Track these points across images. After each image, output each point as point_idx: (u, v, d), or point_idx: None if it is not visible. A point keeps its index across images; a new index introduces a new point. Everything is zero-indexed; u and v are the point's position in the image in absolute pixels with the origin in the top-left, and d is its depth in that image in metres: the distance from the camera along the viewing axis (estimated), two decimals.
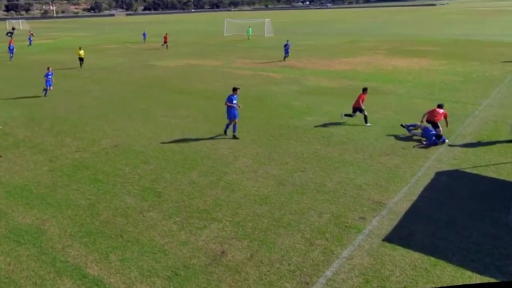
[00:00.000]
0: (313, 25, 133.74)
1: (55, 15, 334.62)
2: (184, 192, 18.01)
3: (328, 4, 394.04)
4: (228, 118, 24.77)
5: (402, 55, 57.58)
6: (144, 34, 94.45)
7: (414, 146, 22.78)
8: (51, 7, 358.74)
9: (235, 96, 24.61)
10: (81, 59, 53.76)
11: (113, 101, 35.20)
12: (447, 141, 23.24)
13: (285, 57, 55.73)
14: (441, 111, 24.09)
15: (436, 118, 23.76)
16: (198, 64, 55.42)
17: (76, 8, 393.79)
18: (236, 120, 24.71)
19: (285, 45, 56.11)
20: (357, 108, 27.00)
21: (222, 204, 16.83)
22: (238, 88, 25.28)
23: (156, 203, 17.04)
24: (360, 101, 26.79)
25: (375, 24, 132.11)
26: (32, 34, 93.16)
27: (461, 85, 37.63)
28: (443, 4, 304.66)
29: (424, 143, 23.04)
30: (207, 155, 22.24)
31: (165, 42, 74.41)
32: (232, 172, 20.02)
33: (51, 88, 37.50)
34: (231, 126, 25.17)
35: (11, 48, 65.87)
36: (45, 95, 37.31)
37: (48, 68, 38.13)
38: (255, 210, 16.27)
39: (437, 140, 22.97)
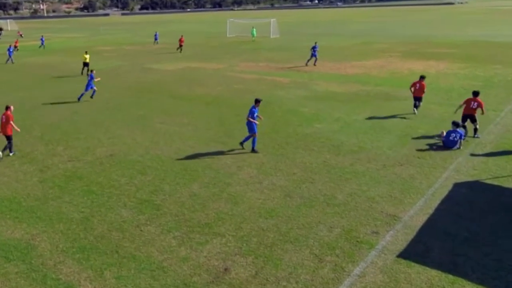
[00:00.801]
0: (322, 26, 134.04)
1: (45, 14, 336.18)
2: (184, 204, 18.07)
3: (339, 3, 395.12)
4: (249, 132, 24.16)
5: (418, 58, 57.65)
6: (155, 35, 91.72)
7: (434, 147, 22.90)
8: (41, 6, 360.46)
9: (257, 109, 24.06)
10: (85, 64, 52.05)
11: (108, 107, 35.36)
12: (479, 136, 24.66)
13: (315, 61, 54.21)
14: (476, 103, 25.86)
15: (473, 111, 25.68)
16: (199, 67, 55.61)
17: (68, 7, 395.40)
18: (256, 134, 24.15)
19: (313, 48, 54.64)
20: (417, 98, 30.55)
21: (225, 218, 16.88)
22: (261, 100, 24.64)
23: (154, 217, 17.11)
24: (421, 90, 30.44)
25: (390, 24, 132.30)
26: (21, 35, 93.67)
27: (481, 90, 37.47)
28: (461, 3, 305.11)
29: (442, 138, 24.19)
30: (208, 165, 22.32)
31: (181, 45, 72.92)
32: (235, 183, 20.09)
33: (87, 92, 38.22)
34: (250, 139, 24.53)
35: (11, 50, 66.37)
36: (91, 97, 38.39)
37: (91, 71, 39.38)
38: (260, 224, 16.32)
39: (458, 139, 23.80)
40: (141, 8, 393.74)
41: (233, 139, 26.12)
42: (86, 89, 37.88)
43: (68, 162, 23.29)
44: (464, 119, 25.80)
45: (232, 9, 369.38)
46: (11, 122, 24.21)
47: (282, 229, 15.94)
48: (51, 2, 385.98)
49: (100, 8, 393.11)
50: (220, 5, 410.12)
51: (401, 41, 79.59)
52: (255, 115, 23.89)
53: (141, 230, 16.15)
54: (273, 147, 24.64)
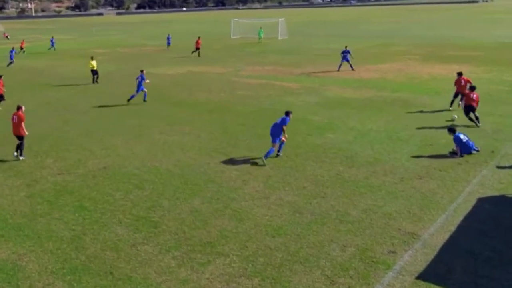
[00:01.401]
0: (334, 26, 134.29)
1: (33, 14, 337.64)
2: (184, 221, 18.12)
3: (352, 1, 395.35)
4: (273, 142, 24.53)
5: (439, 61, 57.69)
6: (168, 39, 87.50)
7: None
8: (29, 5, 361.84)
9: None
10: (94, 72, 50.10)
11: (102, 115, 35.54)
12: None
13: (350, 66, 53.38)
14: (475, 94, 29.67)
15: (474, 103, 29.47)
16: (201, 71, 55.83)
17: (59, 6, 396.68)
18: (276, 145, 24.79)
19: (344, 52, 53.75)
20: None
21: (229, 236, 16.92)
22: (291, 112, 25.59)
23: (152, 235, 17.16)
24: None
25: (407, 24, 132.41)
26: (7, 36, 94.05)
27: (508, 96, 37.67)
28: (486, 1, 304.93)
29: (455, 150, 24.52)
30: (211, 178, 22.40)
31: (197, 48, 71.69)
32: (240, 198, 20.14)
33: (138, 93, 39.40)
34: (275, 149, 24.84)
35: (13, 52, 67.35)
36: (144, 100, 39.47)
37: (142, 71, 40.37)
38: (267, 243, 16.36)
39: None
40: (138, 7, 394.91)
41: (237, 150, 26.23)
42: (137, 91, 39.11)
43: (58, 176, 23.39)
44: (467, 111, 29.77)
45: (236, 8, 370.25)
46: (23, 123, 25.60)
47: (291, 248, 15.98)
48: (40, 1, 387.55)
49: (93, 7, 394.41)
50: (223, 4, 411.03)
51: (420, 43, 79.67)
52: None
53: (137, 250, 16.20)
54: (281, 159, 24.69)
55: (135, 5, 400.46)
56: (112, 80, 51.14)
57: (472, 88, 30.27)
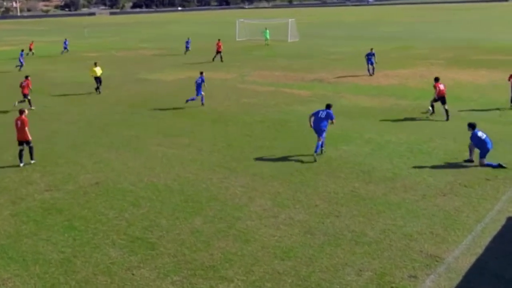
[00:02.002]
0: (350, 27, 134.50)
1: (19, 14, 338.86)
2: (184, 243, 18.16)
3: (370, 0, 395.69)
4: (320, 136, 27.30)
5: (466, 66, 57.75)
6: (187, 42, 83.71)
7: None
8: (14, 3, 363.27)
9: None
10: (97, 80, 48.53)
11: (94, 126, 35.64)
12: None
13: (372, 70, 54.08)
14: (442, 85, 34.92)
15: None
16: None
17: (46, 5, 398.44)
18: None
19: (368, 54, 54.45)
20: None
21: (234, 259, 16.95)
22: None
23: (149, 258, 17.20)
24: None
25: (431, 25, 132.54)
26: None
27: None
28: None
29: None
30: (214, 195, 22.44)
31: (219, 51, 70.71)
32: (246, 217, 20.16)
33: (198, 97, 40.90)
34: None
35: (22, 55, 68.51)
36: (202, 103, 40.93)
37: (201, 73, 41.72)
38: (275, 267, 16.38)
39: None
40: (134, 6, 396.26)
41: (243, 164, 26.28)
42: (197, 94, 40.44)
43: (46, 192, 23.43)
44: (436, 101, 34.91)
45: (242, 8, 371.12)
46: (27, 128, 26.85)
47: (302, 272, 16.00)
48: (26, 0, 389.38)
49: (84, 6, 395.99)
50: (227, 3, 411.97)
51: (444, 46, 79.76)
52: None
53: (132, 274, 16.23)
54: (291, 174, 24.75)
55: (131, 4, 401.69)
56: (107, 86, 51.01)
57: (437, 79, 35.48)
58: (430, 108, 35.61)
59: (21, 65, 66.97)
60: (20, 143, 27.20)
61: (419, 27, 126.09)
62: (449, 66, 58.59)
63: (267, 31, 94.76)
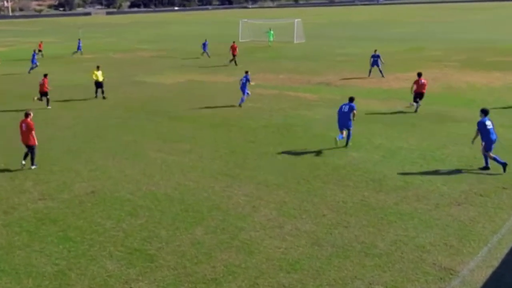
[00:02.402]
0: (359, 27, 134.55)
1: (10, 13, 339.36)
2: (185, 255, 18.15)
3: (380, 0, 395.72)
4: (347, 128, 30.05)
5: (481, 68, 57.75)
6: (204, 45, 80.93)
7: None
8: (5, 3, 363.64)
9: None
10: (98, 84, 48.10)
11: (90, 131, 35.63)
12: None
13: (381, 72, 54.79)
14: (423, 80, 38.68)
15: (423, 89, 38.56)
16: (204, 80, 56.04)
17: (40, 5, 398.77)
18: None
19: (373, 56, 55.39)
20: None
21: (237, 272, 16.94)
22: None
23: (148, 270, 17.19)
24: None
25: (443, 25, 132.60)
26: None
27: None
28: None
29: None
30: (216, 204, 22.42)
31: (234, 55, 69.91)
32: (250, 228, 20.14)
33: (246, 97, 42.28)
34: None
35: (35, 56, 69.18)
36: (240, 104, 41.90)
37: (246, 72, 43.00)
38: (281, 280, 16.36)
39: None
40: (131, 6, 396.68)
41: (246, 171, 26.28)
42: (244, 94, 41.68)
43: (39, 201, 23.41)
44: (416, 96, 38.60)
45: (245, 7, 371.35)
46: (33, 132, 27.45)
47: (309, 286, 15.97)
48: None
49: (79, 6, 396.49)
50: (230, 2, 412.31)
51: (457, 47, 79.78)
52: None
53: (131, 287, 16.23)
54: (297, 182, 24.74)
55: (128, 4, 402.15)
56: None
57: (420, 74, 39.27)
58: (414, 104, 38.77)
59: (35, 66, 67.64)
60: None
61: (430, 28, 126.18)
62: (462, 68, 58.63)
63: (271, 31, 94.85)
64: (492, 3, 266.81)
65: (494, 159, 25.18)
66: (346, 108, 30.07)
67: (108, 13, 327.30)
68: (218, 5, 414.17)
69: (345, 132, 29.87)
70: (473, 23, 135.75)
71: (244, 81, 41.86)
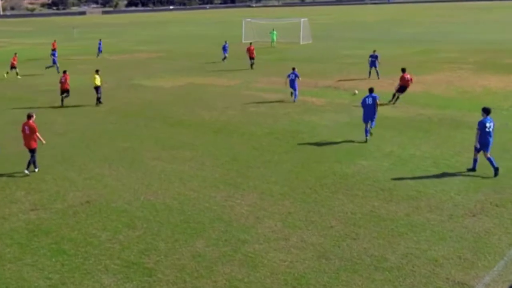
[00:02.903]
0: (369, 28, 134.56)
1: (1, 13, 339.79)
2: (185, 268, 18.17)
3: None
4: (367, 122, 33.13)
5: (497, 71, 57.71)
6: (224, 47, 77.05)
7: None
8: None
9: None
10: (97, 89, 47.35)
11: (84, 137, 35.65)
12: None
13: (377, 74, 56.28)
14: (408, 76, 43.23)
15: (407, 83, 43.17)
16: (205, 83, 56.04)
17: (32, 4, 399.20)
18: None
19: (371, 56, 57.07)
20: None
21: (240, 286, 16.93)
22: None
23: (146, 285, 17.20)
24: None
25: (459, 25, 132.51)
26: None
27: None
28: None
29: None
30: (218, 215, 22.43)
31: (252, 57, 68.27)
32: (253, 240, 20.17)
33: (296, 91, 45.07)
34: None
35: (55, 55, 71.28)
36: (295, 100, 44.68)
37: (293, 69, 45.36)
38: None
39: None
40: (129, 5, 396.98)
41: (249, 180, 26.32)
42: (295, 90, 44.86)
43: (31, 212, 23.43)
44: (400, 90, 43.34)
45: (249, 6, 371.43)
46: (37, 133, 28.08)
47: None
48: None
49: (74, 5, 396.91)
50: (233, 1, 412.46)
51: (473, 49, 79.73)
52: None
53: None
54: (303, 192, 24.76)
55: (125, 2, 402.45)
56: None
57: (404, 70, 43.97)
58: (394, 97, 43.59)
59: (56, 66, 68.90)
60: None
61: (444, 28, 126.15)
62: (478, 71, 58.57)
63: (275, 32, 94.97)
64: (506, 2, 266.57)
65: (489, 160, 26.16)
66: (369, 100, 32.78)
67: (104, 13, 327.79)
68: (220, 3, 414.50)
69: (368, 124, 33.00)
70: (490, 23, 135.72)
71: (293, 77, 44.71)
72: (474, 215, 21.63)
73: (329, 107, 42.59)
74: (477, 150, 26.50)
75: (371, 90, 33.28)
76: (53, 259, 19.06)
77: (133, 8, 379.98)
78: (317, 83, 53.72)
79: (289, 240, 19.97)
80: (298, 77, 44.96)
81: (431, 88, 49.23)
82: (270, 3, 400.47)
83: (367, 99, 32.91)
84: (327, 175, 26.81)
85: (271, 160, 29.29)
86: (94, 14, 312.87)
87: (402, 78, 43.25)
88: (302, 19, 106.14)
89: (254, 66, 67.86)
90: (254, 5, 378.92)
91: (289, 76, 44.81)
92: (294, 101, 44.66)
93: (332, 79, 55.81)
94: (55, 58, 69.91)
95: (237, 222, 21.71)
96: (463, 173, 26.48)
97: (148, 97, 49.09)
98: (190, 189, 25.51)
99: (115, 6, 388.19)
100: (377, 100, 32.81)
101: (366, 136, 32.49)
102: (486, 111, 26.75)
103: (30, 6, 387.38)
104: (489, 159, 26.11)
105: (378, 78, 55.13)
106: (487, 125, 26.09)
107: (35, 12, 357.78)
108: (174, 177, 27.30)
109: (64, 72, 47.69)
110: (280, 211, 22.59)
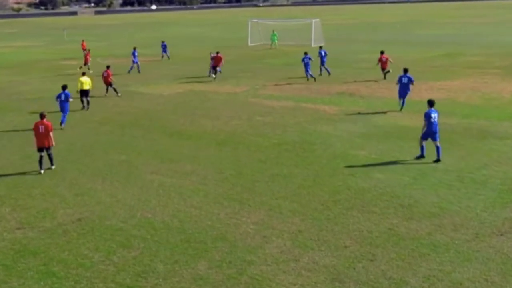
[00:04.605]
0: (387, 29, 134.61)
1: None
2: None
3: None
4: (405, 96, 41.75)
5: None
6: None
7: None
8: None
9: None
10: (84, 93, 48.31)
11: (75, 149, 35.69)
12: None
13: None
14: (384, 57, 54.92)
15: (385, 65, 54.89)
16: (207, 91, 56.06)
17: (18, 3, 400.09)
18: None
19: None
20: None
21: None
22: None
23: None
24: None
25: (485, 27, 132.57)
26: None
27: None
28: None
29: None
30: (221, 234, 22.44)
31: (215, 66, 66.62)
32: (260, 261, 20.14)
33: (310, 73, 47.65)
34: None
35: (136, 54, 73.02)
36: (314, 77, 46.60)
37: (305, 53, 49.53)
38: None
39: None
40: (124, 4, 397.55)
41: (256, 196, 26.33)
42: (308, 71, 49.17)
43: (17, 231, 23.44)
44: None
45: (256, 5, 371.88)
46: (51, 133, 29.79)
47: None
48: None
49: (63, 4, 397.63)
50: (238, 0, 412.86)
51: (500, 52, 79.74)
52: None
53: None
54: (315, 208, 24.76)
55: (120, 2, 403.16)
56: (90, 100, 51.09)
57: (382, 52, 55.66)
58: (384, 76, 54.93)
59: (136, 65, 72.02)
60: (40, 149, 29.96)
61: (468, 29, 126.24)
62: (506, 76, 58.42)
63: (275, 34, 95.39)
64: None
65: (421, 148, 31.19)
66: (405, 80, 42.03)
67: (97, 13, 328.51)
68: (225, 2, 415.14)
69: (401, 100, 42.38)
70: None
71: (306, 61, 52.30)
72: (502, 234, 21.59)
73: (343, 116, 42.54)
74: (424, 139, 31.08)
75: (405, 70, 42.39)
76: (42, 282, 19.07)
77: (128, 7, 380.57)
78: (330, 90, 53.66)
79: (300, 261, 19.96)
80: (311, 59, 51.13)
81: (455, 95, 49.21)
82: (279, 2, 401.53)
83: (402, 78, 42.25)
84: (341, 190, 26.81)
85: (279, 173, 29.29)
86: (86, 15, 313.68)
87: (380, 60, 57.63)
88: (313, 20, 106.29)
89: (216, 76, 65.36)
90: (261, 4, 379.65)
91: (303, 59, 51.26)
92: (314, 78, 51.34)
93: (347, 85, 55.81)
94: (136, 58, 72.29)
95: (243, 241, 21.71)
96: (490, 188, 26.40)
97: (145, 106, 49.12)
98: (191, 205, 25.52)
99: (109, 5, 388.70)
100: (413, 81, 42.16)
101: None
102: (431, 103, 31.83)
103: (16, 6, 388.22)
104: (437, 148, 30.72)
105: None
106: (432, 115, 30.89)
107: (21, 12, 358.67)
108: (173, 192, 27.32)
109: (108, 67, 55.36)
110: (289, 230, 22.58)
